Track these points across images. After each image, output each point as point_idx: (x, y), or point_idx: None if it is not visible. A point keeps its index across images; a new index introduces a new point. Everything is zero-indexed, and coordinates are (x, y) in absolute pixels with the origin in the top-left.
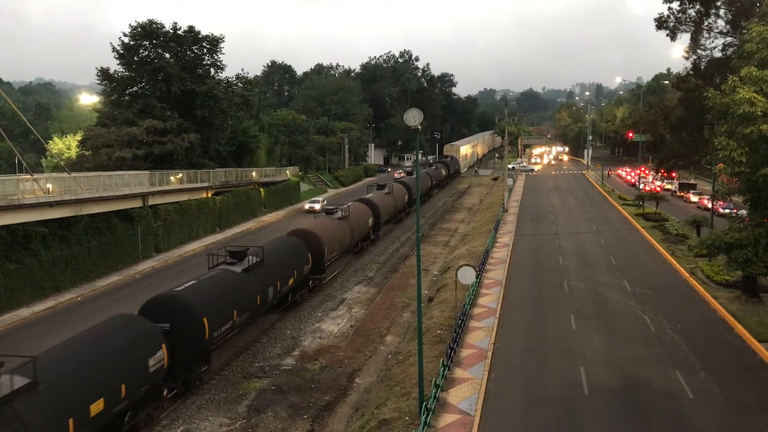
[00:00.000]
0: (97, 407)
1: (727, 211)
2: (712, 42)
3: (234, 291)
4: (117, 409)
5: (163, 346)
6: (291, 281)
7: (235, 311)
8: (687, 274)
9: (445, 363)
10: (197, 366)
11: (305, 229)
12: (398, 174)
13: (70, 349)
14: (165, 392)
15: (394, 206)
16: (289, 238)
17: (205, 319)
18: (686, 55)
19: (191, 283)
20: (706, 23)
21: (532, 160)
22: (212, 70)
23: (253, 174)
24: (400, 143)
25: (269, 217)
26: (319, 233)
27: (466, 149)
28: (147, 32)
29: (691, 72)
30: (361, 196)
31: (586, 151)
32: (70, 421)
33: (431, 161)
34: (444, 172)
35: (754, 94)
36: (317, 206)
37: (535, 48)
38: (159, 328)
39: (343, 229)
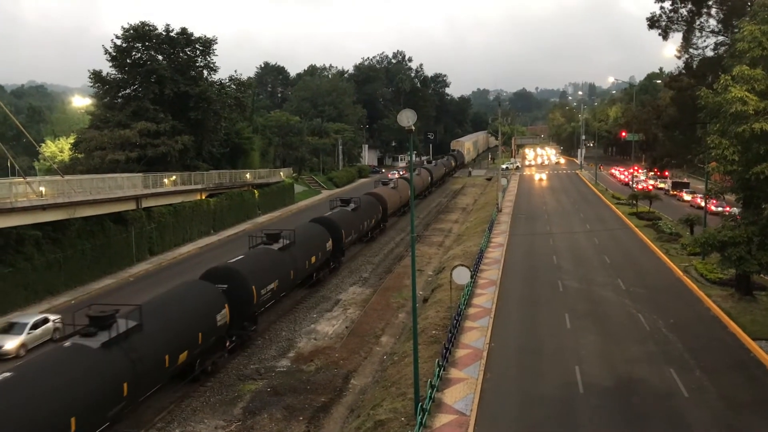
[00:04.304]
0: (312, 260)
1: (719, 209)
2: (704, 41)
3: (353, 219)
4: (314, 268)
5: (330, 240)
6: (373, 221)
7: (353, 231)
8: (681, 273)
9: (440, 363)
10: (339, 257)
11: (376, 192)
12: (392, 174)
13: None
14: (314, 277)
15: (422, 184)
16: (368, 196)
17: (343, 231)
18: (678, 55)
19: (329, 213)
20: (698, 22)
21: (526, 162)
22: (205, 72)
23: (247, 176)
24: (394, 144)
25: (264, 219)
26: (384, 195)
27: (469, 145)
28: (139, 34)
29: (684, 71)
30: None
31: (579, 150)
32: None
33: (424, 161)
34: (453, 163)
35: (746, 93)
36: (12, 345)
37: (529, 47)
38: (326, 234)
39: (395, 195)
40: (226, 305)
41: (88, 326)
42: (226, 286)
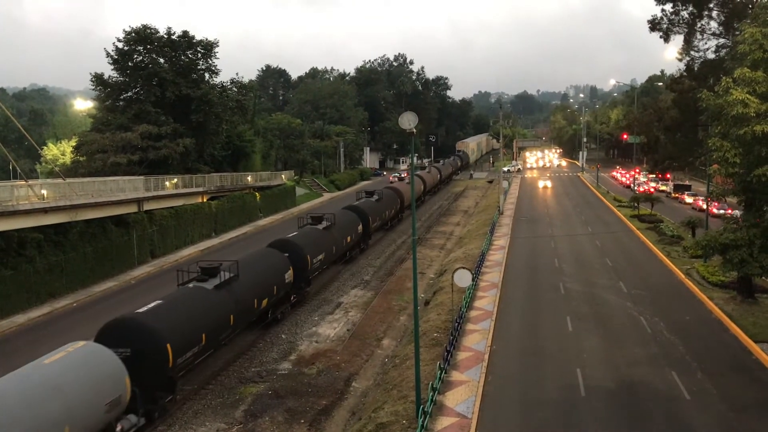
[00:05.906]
0: (348, 240)
1: (721, 212)
2: (705, 43)
3: (377, 208)
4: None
5: (360, 224)
6: (393, 211)
7: (378, 218)
8: (682, 275)
9: (442, 366)
10: (367, 240)
11: (395, 187)
12: (393, 177)
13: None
14: (347, 255)
15: (433, 181)
16: (388, 190)
17: (370, 218)
18: (680, 57)
19: (357, 202)
20: (699, 25)
21: (528, 165)
22: (207, 75)
23: (249, 178)
24: (395, 146)
25: (265, 221)
26: (402, 189)
27: (473, 146)
28: (141, 37)
29: (685, 73)
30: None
31: (581, 153)
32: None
33: (426, 164)
34: (459, 163)
35: (748, 95)
36: None
37: (530, 50)
38: (357, 219)
39: (409, 191)
40: (291, 267)
41: (200, 274)
42: (288, 254)
